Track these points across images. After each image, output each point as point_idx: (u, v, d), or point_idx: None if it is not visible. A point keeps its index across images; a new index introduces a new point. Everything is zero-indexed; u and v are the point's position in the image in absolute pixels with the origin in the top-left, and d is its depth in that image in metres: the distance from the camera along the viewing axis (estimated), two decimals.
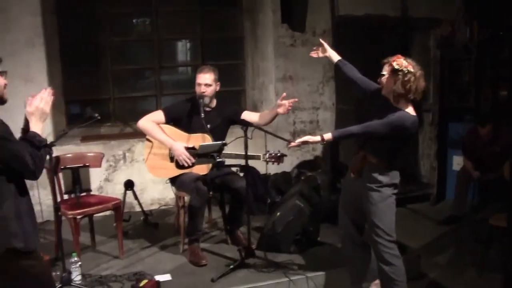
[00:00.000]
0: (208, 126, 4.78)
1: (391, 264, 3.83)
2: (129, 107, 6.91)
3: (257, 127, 4.67)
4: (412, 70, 3.62)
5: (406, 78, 3.59)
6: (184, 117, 4.97)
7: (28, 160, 2.74)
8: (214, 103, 5.02)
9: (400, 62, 3.65)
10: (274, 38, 6.74)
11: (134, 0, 6.78)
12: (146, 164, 5.04)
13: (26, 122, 3.03)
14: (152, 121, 4.89)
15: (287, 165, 6.56)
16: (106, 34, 6.62)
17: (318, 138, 3.83)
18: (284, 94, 4.72)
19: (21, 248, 2.78)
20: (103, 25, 6.61)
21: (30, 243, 2.85)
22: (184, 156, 4.78)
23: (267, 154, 4.68)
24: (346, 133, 3.83)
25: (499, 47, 6.77)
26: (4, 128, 2.77)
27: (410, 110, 3.70)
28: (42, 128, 2.94)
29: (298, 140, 3.94)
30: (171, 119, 4.96)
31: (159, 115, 4.93)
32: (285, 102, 4.63)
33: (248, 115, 5.00)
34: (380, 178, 3.77)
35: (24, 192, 2.86)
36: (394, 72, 3.64)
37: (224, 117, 5.02)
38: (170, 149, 4.86)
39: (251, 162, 4.68)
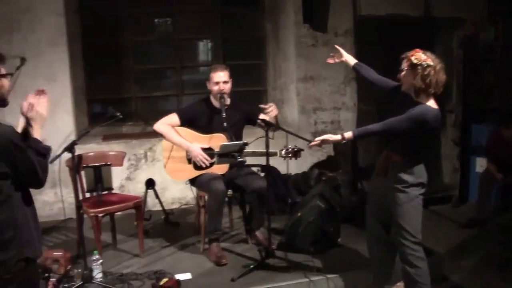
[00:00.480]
0: (224, 124, 4.77)
1: (416, 266, 3.79)
2: (151, 107, 6.94)
3: (279, 127, 4.67)
4: (431, 63, 3.55)
5: (425, 72, 3.52)
6: (199, 118, 4.98)
7: (38, 169, 2.66)
8: (228, 101, 5.02)
9: (419, 56, 3.57)
10: (295, 38, 6.72)
11: (155, 0, 6.80)
12: (165, 168, 5.04)
13: (25, 128, 2.86)
14: (168, 124, 4.91)
15: (308, 165, 6.54)
16: (128, 34, 6.67)
17: (338, 136, 3.80)
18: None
19: (32, 256, 2.76)
20: (125, 25, 6.66)
21: (38, 251, 2.84)
22: (201, 157, 4.79)
23: (284, 150, 4.68)
24: (367, 131, 3.79)
25: None
26: (18, 135, 2.68)
27: (432, 103, 3.63)
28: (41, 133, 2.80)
29: (318, 138, 3.90)
30: (186, 121, 4.97)
31: (174, 118, 4.95)
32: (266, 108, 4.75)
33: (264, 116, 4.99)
34: (406, 177, 3.71)
35: (30, 199, 2.79)
36: (413, 66, 3.57)
37: (241, 115, 5.02)
38: (186, 151, 4.88)
39: (271, 162, 4.66)
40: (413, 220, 3.80)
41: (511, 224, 4.69)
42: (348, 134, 3.77)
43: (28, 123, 2.82)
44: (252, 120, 4.99)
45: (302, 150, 4.76)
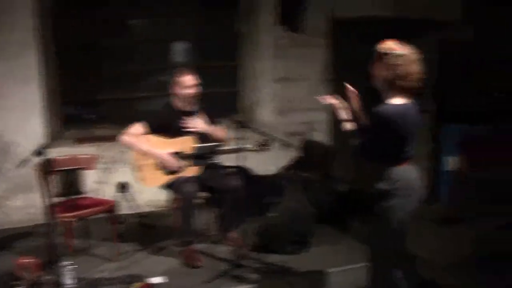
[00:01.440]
0: (191, 126, 4.83)
1: None
2: (125, 109, 6.88)
3: (252, 128, 4.69)
4: (402, 52, 3.30)
5: (393, 61, 3.27)
6: (166, 123, 4.95)
7: None
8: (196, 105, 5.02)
9: (387, 44, 3.36)
10: (271, 39, 6.72)
11: (130, 1, 6.75)
12: (137, 177, 4.99)
13: None
14: (133, 135, 4.87)
15: (283, 166, 6.54)
16: (102, 35, 6.60)
17: (343, 116, 3.62)
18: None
19: None
20: (99, 27, 6.58)
21: None
22: (171, 163, 4.78)
23: (255, 143, 4.70)
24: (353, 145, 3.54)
25: (496, 49, 6.75)
26: None
27: (394, 101, 3.32)
28: None
29: (329, 99, 3.73)
30: (153, 128, 4.93)
31: (140, 127, 4.90)
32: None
33: (219, 131, 5.11)
34: (380, 185, 3.46)
35: None
36: (380, 56, 3.35)
37: (206, 117, 5.03)
38: (157, 159, 4.84)
39: (245, 163, 4.66)
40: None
41: (483, 221, 4.72)
42: (348, 127, 3.59)
43: None
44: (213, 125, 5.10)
45: (272, 141, 4.86)
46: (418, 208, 3.55)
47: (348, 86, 3.74)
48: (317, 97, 3.88)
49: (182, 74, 4.94)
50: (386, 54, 3.31)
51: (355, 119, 3.63)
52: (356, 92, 3.71)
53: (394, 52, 3.30)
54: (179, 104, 4.99)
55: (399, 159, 3.44)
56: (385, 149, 3.39)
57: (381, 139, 3.34)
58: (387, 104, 3.32)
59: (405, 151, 3.44)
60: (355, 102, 3.70)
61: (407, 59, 3.29)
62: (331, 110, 6.43)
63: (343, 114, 3.63)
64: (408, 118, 3.34)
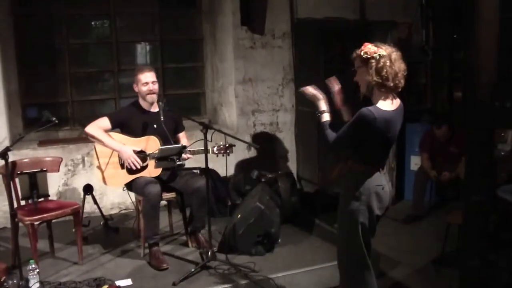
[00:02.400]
0: (155, 126, 4.85)
1: None
2: (88, 111, 6.82)
3: (217, 130, 4.71)
4: (384, 53, 3.24)
5: (379, 64, 3.22)
6: (130, 121, 4.95)
7: None
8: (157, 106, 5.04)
9: (368, 49, 3.27)
10: (233, 40, 6.74)
11: (92, 2, 6.70)
12: (98, 175, 4.97)
13: None
14: (98, 127, 4.85)
15: (247, 167, 6.57)
16: (64, 36, 6.53)
17: (323, 107, 3.58)
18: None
19: None
20: (60, 27, 6.52)
21: None
22: (132, 159, 4.76)
23: (216, 147, 4.72)
24: (324, 132, 3.50)
25: (454, 49, 6.91)
26: None
27: (384, 105, 3.32)
28: None
29: (311, 90, 3.66)
30: (117, 125, 4.94)
31: (104, 121, 4.88)
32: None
33: (181, 137, 5.22)
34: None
35: None
36: (364, 62, 3.28)
37: (172, 119, 5.06)
38: (118, 154, 4.83)
39: (210, 165, 4.68)
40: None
41: (446, 220, 4.83)
42: (324, 119, 3.54)
43: None
44: (177, 128, 5.18)
45: (234, 145, 4.88)
46: (384, 213, 3.57)
47: (333, 80, 3.74)
48: (326, 81, 3.77)
49: (140, 70, 4.96)
50: (371, 58, 3.26)
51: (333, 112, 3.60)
52: (340, 86, 3.71)
53: (378, 54, 3.24)
54: (142, 103, 4.99)
55: (373, 165, 3.44)
56: (361, 152, 3.41)
57: (359, 141, 3.36)
58: (376, 108, 3.30)
59: (381, 158, 3.48)
60: (338, 96, 3.70)
61: (392, 59, 3.26)
62: (294, 110, 6.49)
63: (324, 105, 3.61)
64: (392, 126, 3.37)
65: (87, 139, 5.83)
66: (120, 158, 4.85)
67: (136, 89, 4.98)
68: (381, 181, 3.45)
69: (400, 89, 3.35)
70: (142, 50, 7.38)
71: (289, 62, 6.98)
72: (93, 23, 7.01)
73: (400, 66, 3.28)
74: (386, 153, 3.51)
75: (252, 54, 6.80)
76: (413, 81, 7.27)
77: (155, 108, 4.97)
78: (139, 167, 4.80)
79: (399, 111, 3.42)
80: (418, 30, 7.09)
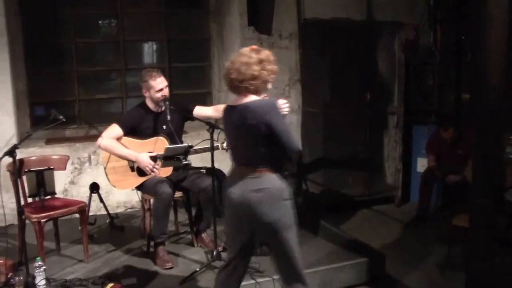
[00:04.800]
0: (164, 127, 4.84)
1: None
2: (95, 109, 6.86)
3: (222, 128, 4.70)
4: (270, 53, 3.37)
5: (272, 65, 3.36)
6: (139, 124, 4.93)
7: None
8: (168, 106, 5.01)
9: (259, 50, 3.36)
10: (240, 40, 6.75)
11: (99, 1, 6.72)
12: (109, 181, 4.93)
13: None
14: (112, 138, 4.79)
15: None
16: (72, 35, 6.57)
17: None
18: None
19: None
20: (68, 26, 6.55)
21: None
22: (151, 166, 4.75)
23: (225, 142, 4.72)
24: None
25: (462, 51, 6.89)
26: None
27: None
28: None
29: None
30: (128, 129, 4.88)
31: (116, 129, 4.82)
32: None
33: (200, 110, 5.04)
34: None
35: None
36: (260, 62, 3.32)
37: (179, 115, 5.02)
38: (135, 162, 4.81)
39: (216, 165, 4.67)
40: None
41: (452, 222, 4.82)
42: None
43: None
44: (189, 117, 5.06)
45: None
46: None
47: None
48: None
49: (152, 76, 4.89)
50: (265, 58, 3.33)
51: None
52: None
53: (270, 55, 3.35)
54: (150, 105, 4.99)
55: None
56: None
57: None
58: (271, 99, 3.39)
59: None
60: None
61: (274, 60, 3.38)
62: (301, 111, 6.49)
63: None
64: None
65: (94, 137, 5.86)
66: (129, 161, 4.85)
67: (146, 94, 4.93)
68: None
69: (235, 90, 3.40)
70: (149, 50, 7.41)
71: (296, 62, 6.98)
72: (100, 22, 7.05)
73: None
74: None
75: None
76: (420, 83, 7.26)
77: (162, 108, 4.97)
78: (159, 173, 4.80)
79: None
80: (425, 31, 7.08)
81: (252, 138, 3.30)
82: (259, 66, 3.28)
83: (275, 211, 3.35)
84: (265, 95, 3.45)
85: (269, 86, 3.41)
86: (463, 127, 6.05)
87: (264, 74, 3.31)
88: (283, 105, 3.60)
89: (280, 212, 3.36)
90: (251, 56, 3.30)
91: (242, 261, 3.62)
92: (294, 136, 3.34)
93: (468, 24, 6.64)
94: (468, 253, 4.01)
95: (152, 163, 4.75)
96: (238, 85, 3.33)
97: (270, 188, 3.34)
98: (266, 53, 3.35)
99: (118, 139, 4.80)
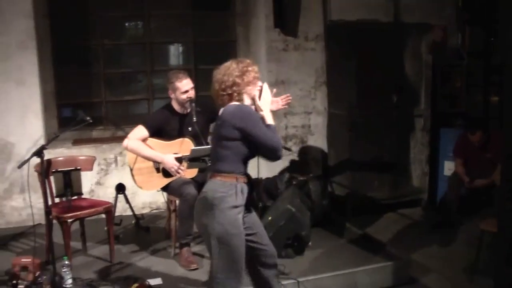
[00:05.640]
0: (189, 129, 4.83)
1: None
2: (121, 111, 6.91)
3: None
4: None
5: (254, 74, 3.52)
6: (165, 126, 4.95)
7: None
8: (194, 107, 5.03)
9: (245, 61, 3.56)
10: (266, 43, 6.74)
11: (126, 3, 6.77)
12: (135, 182, 4.95)
13: None
14: (137, 139, 4.82)
15: (279, 170, 6.56)
16: (98, 37, 6.62)
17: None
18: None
19: None
20: (95, 29, 6.61)
21: None
22: (176, 167, 4.76)
23: None
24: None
25: (490, 53, 6.81)
26: None
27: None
28: None
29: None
30: (154, 131, 4.90)
31: (142, 130, 4.85)
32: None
33: None
34: None
35: None
36: (246, 71, 3.49)
37: (204, 117, 5.02)
38: (161, 163, 4.82)
39: None
40: None
41: (480, 226, 4.75)
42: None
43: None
44: (214, 120, 5.01)
45: None
46: None
47: None
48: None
49: (178, 78, 4.91)
50: (245, 66, 3.48)
51: None
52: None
53: (250, 64, 3.51)
54: (176, 107, 5.01)
55: None
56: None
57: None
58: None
59: None
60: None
61: (255, 68, 3.56)
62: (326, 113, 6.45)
63: None
64: None
65: (120, 138, 5.90)
66: (155, 162, 4.88)
67: (172, 95, 4.95)
68: None
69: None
70: (175, 51, 7.45)
71: (322, 64, 6.95)
72: (127, 24, 7.10)
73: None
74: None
75: (284, 57, 6.79)
76: (448, 85, 7.18)
77: (187, 110, 4.98)
78: (184, 174, 4.82)
79: None
80: (454, 33, 7.00)
81: (215, 142, 3.46)
82: (240, 73, 3.42)
83: (203, 217, 3.39)
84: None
85: (254, 93, 3.50)
86: (492, 130, 5.97)
87: (245, 81, 3.43)
88: (286, 98, 4.14)
89: (207, 219, 3.35)
90: (231, 66, 3.46)
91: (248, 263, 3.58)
92: (272, 133, 3.37)
93: (497, 26, 6.56)
94: (496, 258, 3.95)
95: (178, 164, 4.76)
96: (221, 94, 3.45)
97: (207, 192, 3.42)
98: (246, 62, 3.50)
99: (144, 140, 4.83)
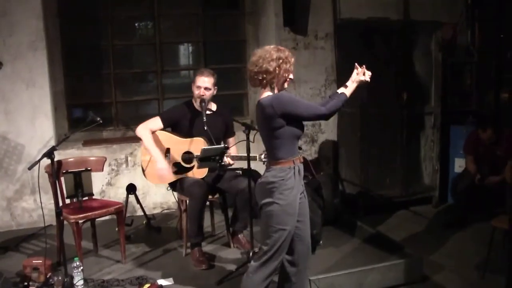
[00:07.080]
0: (205, 128, 4.80)
1: None
2: (131, 111, 6.92)
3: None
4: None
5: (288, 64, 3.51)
6: (181, 120, 4.98)
7: None
8: (214, 106, 5.05)
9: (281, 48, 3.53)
10: (276, 41, 6.72)
11: (136, 3, 6.78)
12: (145, 173, 5.01)
13: None
14: (150, 129, 4.86)
15: None
16: (108, 37, 6.63)
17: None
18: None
19: None
20: (105, 29, 6.62)
21: None
22: (161, 173, 4.78)
23: (263, 154, 4.68)
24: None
25: (501, 50, 6.76)
26: None
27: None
28: None
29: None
30: (169, 124, 4.98)
31: (157, 121, 4.92)
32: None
33: (230, 142, 5.20)
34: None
35: None
36: (284, 60, 3.49)
37: (223, 122, 5.05)
38: (155, 162, 4.84)
39: (252, 166, 4.66)
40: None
41: (492, 223, 4.71)
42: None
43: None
44: (227, 132, 5.17)
45: None
46: None
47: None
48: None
49: (200, 72, 4.99)
50: (283, 57, 3.46)
51: None
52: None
53: (289, 56, 3.51)
54: (195, 103, 5.02)
55: None
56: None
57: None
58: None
59: None
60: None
61: (293, 62, 3.56)
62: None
63: None
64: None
65: (131, 139, 5.92)
66: (166, 156, 4.88)
67: (192, 88, 5.01)
68: None
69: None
70: (185, 51, 7.45)
71: (332, 63, 6.94)
72: (137, 24, 7.11)
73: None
74: None
75: (294, 55, 6.75)
76: (458, 82, 7.14)
77: (206, 110, 4.98)
78: (167, 182, 4.93)
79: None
80: (464, 31, 6.96)
81: (266, 135, 3.50)
82: (275, 63, 3.40)
83: (263, 199, 3.51)
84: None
85: (285, 85, 3.53)
86: (502, 127, 5.93)
87: (278, 71, 3.42)
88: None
89: (266, 200, 3.47)
90: (271, 52, 3.44)
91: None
92: (316, 105, 3.60)
93: (507, 23, 6.52)
94: (509, 256, 3.93)
95: (166, 173, 4.79)
96: (253, 77, 3.48)
97: (267, 177, 3.53)
98: (286, 53, 3.49)
99: (154, 131, 4.87)
